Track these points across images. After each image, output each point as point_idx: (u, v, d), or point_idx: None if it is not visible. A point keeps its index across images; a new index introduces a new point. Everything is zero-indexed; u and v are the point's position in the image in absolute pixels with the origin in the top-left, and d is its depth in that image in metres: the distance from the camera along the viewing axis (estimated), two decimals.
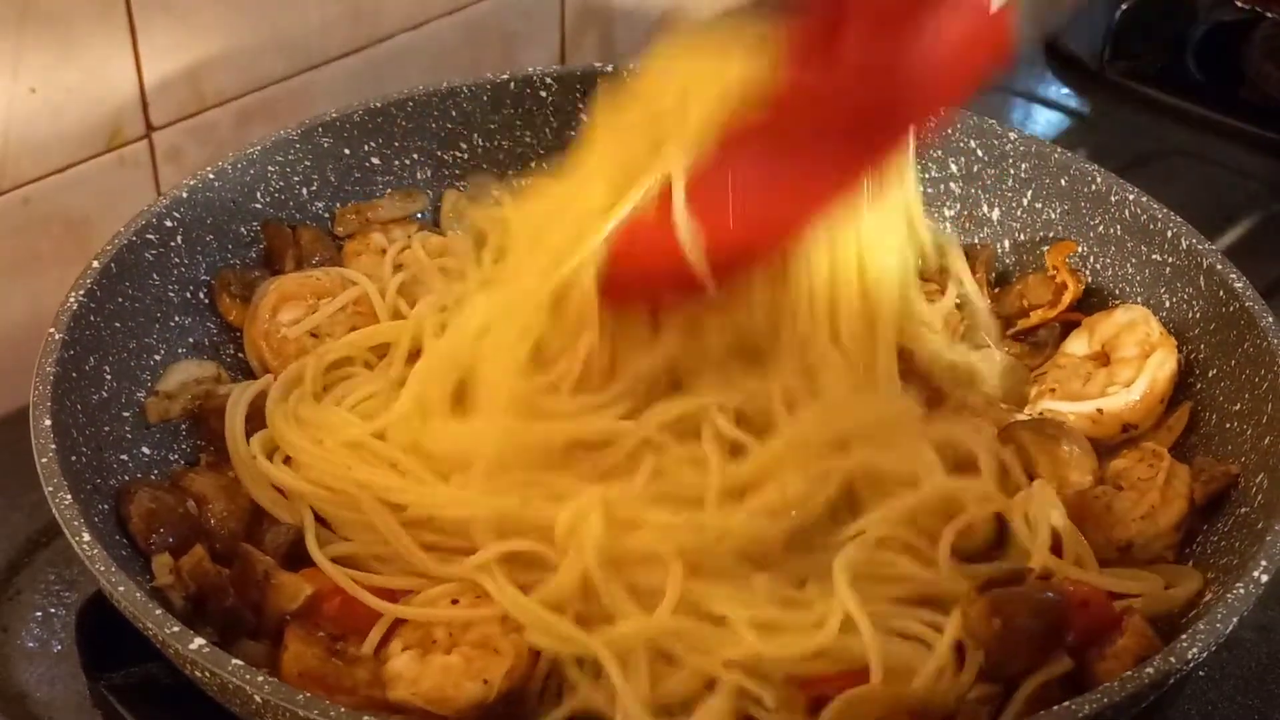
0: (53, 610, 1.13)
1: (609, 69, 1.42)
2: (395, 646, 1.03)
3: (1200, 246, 1.23)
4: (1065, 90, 1.82)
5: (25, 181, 1.33)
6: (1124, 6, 1.78)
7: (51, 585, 1.15)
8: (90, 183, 1.37)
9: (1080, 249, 1.32)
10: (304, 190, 1.34)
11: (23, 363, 1.09)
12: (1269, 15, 1.78)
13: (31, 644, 1.11)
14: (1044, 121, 1.78)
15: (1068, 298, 1.30)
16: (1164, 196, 1.29)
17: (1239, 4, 1.79)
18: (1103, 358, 1.24)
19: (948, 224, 1.40)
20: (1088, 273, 1.32)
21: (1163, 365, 1.21)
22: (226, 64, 1.43)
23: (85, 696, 1.08)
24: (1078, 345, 1.26)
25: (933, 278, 1.35)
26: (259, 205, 1.31)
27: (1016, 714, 0.97)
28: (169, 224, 1.23)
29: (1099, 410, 1.20)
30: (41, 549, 1.17)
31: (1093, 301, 1.31)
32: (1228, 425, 1.16)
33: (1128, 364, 1.22)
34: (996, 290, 1.35)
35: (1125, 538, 1.10)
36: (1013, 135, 1.36)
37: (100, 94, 1.35)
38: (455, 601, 1.05)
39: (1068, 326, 1.29)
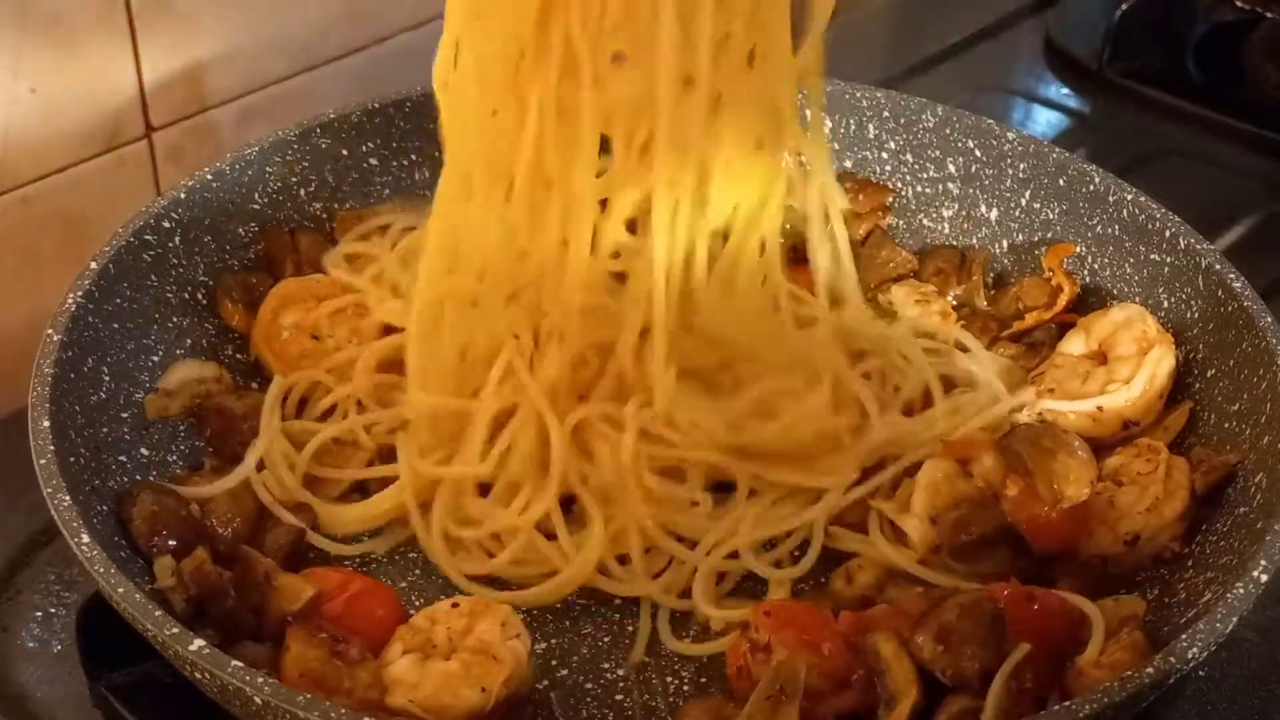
0: (53, 610, 1.13)
1: None
2: (395, 650, 1.03)
3: (1198, 246, 1.23)
4: (1065, 90, 1.82)
5: (25, 181, 1.33)
6: (1124, 6, 1.78)
7: (51, 585, 1.15)
8: (90, 183, 1.37)
9: (1079, 249, 1.32)
10: (302, 191, 1.34)
11: (23, 362, 1.09)
12: (1269, 15, 1.77)
13: (31, 644, 1.11)
14: (1044, 122, 1.77)
15: (1063, 300, 1.30)
16: (1164, 197, 1.29)
17: (1239, 4, 1.78)
18: (1100, 356, 1.24)
19: (946, 224, 1.41)
20: (1086, 273, 1.32)
21: (1161, 361, 1.21)
22: (226, 64, 1.44)
23: (85, 696, 1.08)
24: (1074, 345, 1.26)
25: (929, 280, 1.35)
26: (257, 206, 1.31)
27: (1000, 710, 0.97)
28: (167, 225, 1.23)
29: (1099, 408, 1.20)
30: (41, 549, 1.17)
31: (1090, 301, 1.31)
32: (1226, 425, 1.16)
33: (1126, 361, 1.22)
34: (993, 292, 1.35)
35: (1132, 530, 1.11)
36: (1011, 135, 1.36)
37: (100, 94, 1.35)
38: (455, 605, 1.05)
39: (1063, 327, 1.29)
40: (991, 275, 1.37)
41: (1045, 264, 1.33)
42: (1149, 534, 1.11)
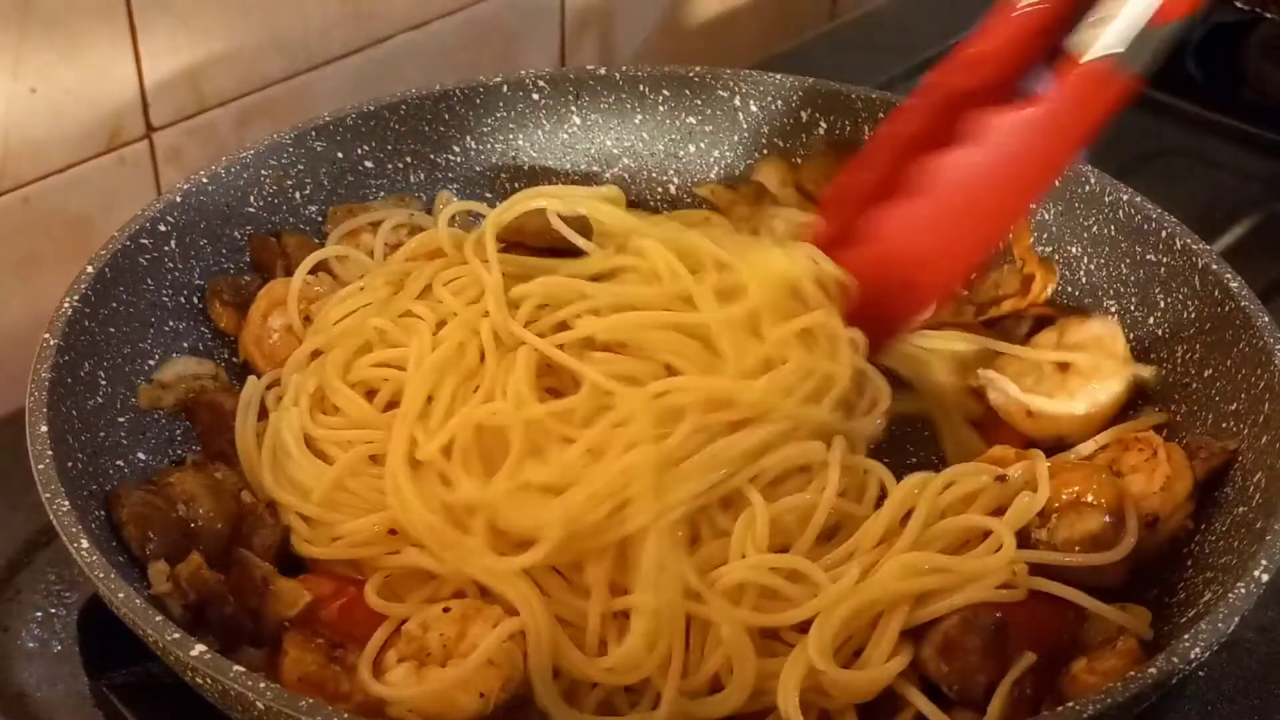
0: (53, 610, 1.13)
1: (601, 71, 1.43)
2: (390, 658, 1.02)
3: (1195, 246, 1.23)
4: None
5: (25, 181, 1.33)
6: None
7: (51, 585, 1.15)
8: (90, 183, 1.37)
9: (1073, 249, 1.32)
10: (297, 194, 1.34)
11: (23, 363, 1.09)
12: (1269, 15, 1.77)
13: (31, 644, 1.11)
14: None
15: (1036, 288, 1.30)
16: (1164, 197, 1.29)
17: (1239, 4, 1.78)
18: (1063, 365, 1.24)
19: None
20: (1082, 273, 1.32)
21: (1111, 390, 1.21)
22: (226, 64, 1.44)
23: (85, 696, 1.08)
24: (1046, 341, 1.26)
25: None
26: (252, 209, 1.31)
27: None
28: (162, 228, 1.23)
29: (1034, 411, 1.21)
30: (41, 549, 1.17)
31: (1086, 301, 1.31)
32: (1224, 425, 1.16)
33: (1083, 376, 1.22)
34: (974, 277, 1.35)
35: (1150, 510, 1.10)
36: None
37: (100, 94, 1.35)
38: (447, 609, 1.04)
39: (1044, 323, 1.29)
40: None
41: (1015, 252, 1.32)
42: (1166, 513, 1.11)
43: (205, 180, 1.27)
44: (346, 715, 0.88)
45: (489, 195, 1.42)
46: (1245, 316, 1.16)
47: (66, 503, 0.99)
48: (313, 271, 1.28)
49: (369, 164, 1.38)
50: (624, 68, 1.43)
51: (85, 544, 0.97)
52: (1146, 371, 1.23)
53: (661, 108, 1.44)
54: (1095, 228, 1.31)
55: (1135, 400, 1.23)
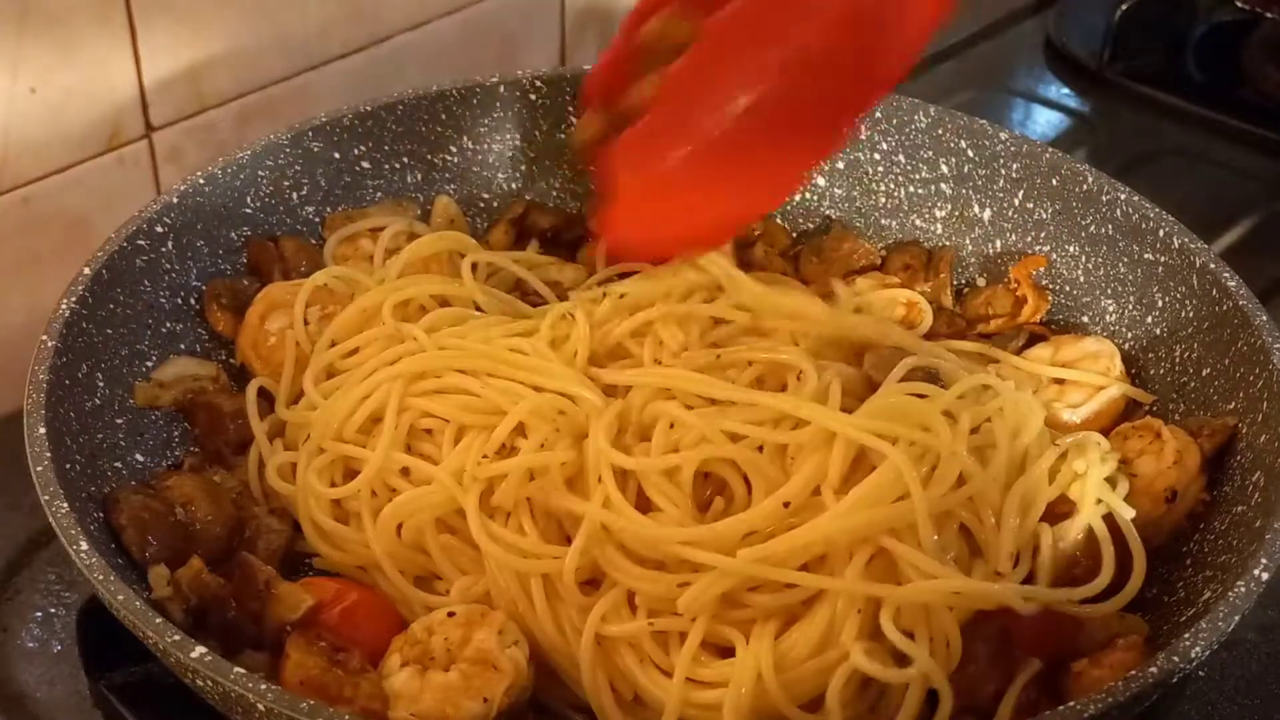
0: (53, 610, 1.14)
1: None
2: (394, 662, 1.02)
3: (1192, 245, 1.23)
4: (1065, 90, 1.82)
5: (25, 181, 1.33)
6: (1124, 6, 1.78)
7: (51, 585, 1.15)
8: (90, 183, 1.37)
9: (1071, 248, 1.33)
10: (294, 195, 1.34)
11: (23, 363, 1.09)
12: (1269, 15, 1.77)
13: (31, 644, 1.12)
14: (1044, 122, 1.78)
15: (1027, 312, 1.31)
16: (1164, 197, 1.29)
17: (1239, 4, 1.78)
18: (1059, 381, 1.24)
19: (939, 225, 1.40)
20: (1080, 272, 1.32)
21: (1114, 400, 1.22)
22: (226, 64, 1.44)
23: (85, 696, 1.08)
24: (1041, 354, 1.26)
25: (895, 274, 1.36)
26: (249, 210, 1.31)
27: None
28: (159, 229, 1.23)
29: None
30: (41, 549, 1.18)
31: (1085, 301, 1.32)
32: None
33: (1081, 389, 1.22)
34: (967, 290, 1.37)
35: (1167, 485, 1.11)
36: (1004, 136, 1.36)
37: (100, 94, 1.35)
38: (452, 614, 1.04)
39: (1036, 339, 1.30)
40: (984, 277, 1.38)
41: (1013, 274, 1.33)
42: (1183, 485, 1.12)
43: (202, 181, 1.27)
44: (348, 717, 0.89)
45: (486, 196, 1.43)
46: (1243, 315, 1.16)
47: (65, 505, 1.00)
48: (305, 273, 1.29)
49: (366, 165, 1.38)
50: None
51: (84, 546, 0.97)
52: (1143, 395, 1.23)
53: None
54: (1093, 227, 1.31)
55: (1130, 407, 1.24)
